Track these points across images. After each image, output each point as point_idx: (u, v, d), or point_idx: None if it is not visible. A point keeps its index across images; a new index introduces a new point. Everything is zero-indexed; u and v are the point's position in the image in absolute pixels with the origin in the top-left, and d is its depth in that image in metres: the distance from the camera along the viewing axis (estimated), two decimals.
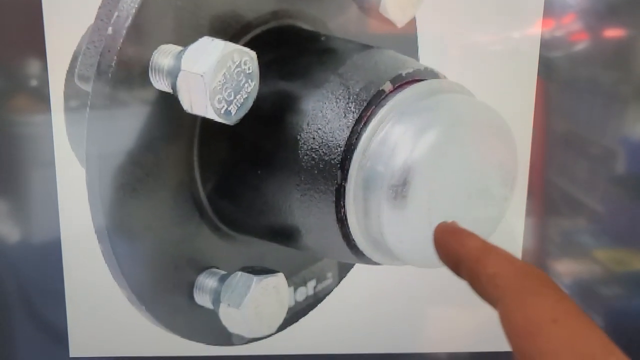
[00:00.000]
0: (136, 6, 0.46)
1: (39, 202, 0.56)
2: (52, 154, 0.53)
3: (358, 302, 0.67)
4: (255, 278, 0.51)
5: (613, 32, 0.82)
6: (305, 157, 0.47)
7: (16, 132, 0.53)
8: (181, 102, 0.45)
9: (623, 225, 0.93)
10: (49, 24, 0.48)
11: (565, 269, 0.92)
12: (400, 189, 0.45)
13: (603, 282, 0.92)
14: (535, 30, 0.75)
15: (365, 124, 0.46)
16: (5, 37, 0.50)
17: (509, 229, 0.70)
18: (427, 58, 0.63)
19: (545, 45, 0.76)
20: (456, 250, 0.39)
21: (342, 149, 0.46)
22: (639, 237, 0.92)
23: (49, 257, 0.56)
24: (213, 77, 0.44)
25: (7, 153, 0.53)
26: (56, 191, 0.54)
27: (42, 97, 0.51)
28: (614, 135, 0.88)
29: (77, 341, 0.57)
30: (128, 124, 0.48)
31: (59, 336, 0.58)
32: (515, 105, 0.77)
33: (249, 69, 0.45)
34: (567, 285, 0.90)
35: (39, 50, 0.49)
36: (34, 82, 0.51)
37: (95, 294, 0.56)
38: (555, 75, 0.80)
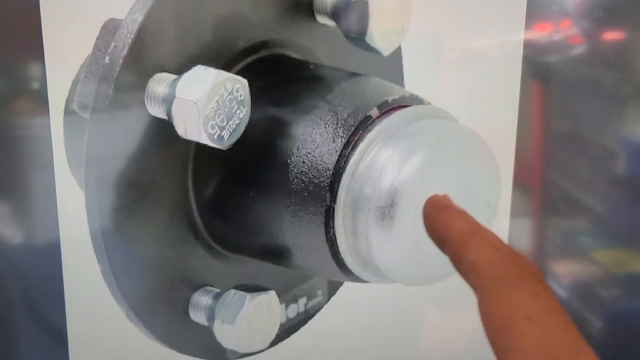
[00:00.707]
0: (132, 37, 0.47)
1: (38, 206, 0.56)
2: (51, 156, 0.54)
3: (348, 318, 0.67)
4: (248, 296, 0.53)
5: (612, 35, 0.83)
6: (295, 180, 0.49)
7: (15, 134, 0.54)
8: (176, 128, 0.47)
9: (623, 226, 0.93)
10: (50, 53, 0.50)
11: (565, 270, 0.92)
12: (388, 210, 0.47)
13: (602, 283, 0.92)
14: (517, 34, 0.76)
15: (353, 148, 0.48)
16: (4, 61, 0.51)
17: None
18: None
19: (543, 48, 0.77)
20: (443, 229, 0.39)
21: (331, 172, 0.48)
22: (638, 239, 0.92)
23: (48, 262, 0.57)
24: (206, 104, 0.45)
25: (6, 155, 0.54)
26: (55, 195, 0.54)
27: (42, 102, 0.52)
28: (614, 136, 0.88)
29: (77, 349, 0.58)
30: (125, 148, 0.49)
31: (58, 342, 0.59)
32: (499, 108, 0.77)
33: (240, 96, 0.47)
34: (566, 286, 0.90)
35: (40, 79, 0.51)
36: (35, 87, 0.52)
37: (96, 301, 0.57)
38: (555, 77, 0.81)
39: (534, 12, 0.75)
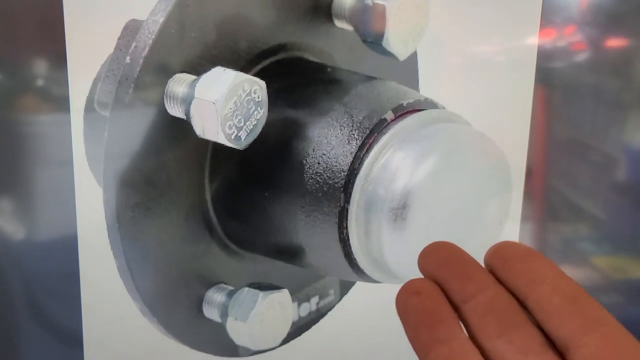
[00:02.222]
0: (153, 37, 0.48)
1: (57, 202, 0.56)
2: (71, 153, 0.54)
3: (359, 317, 0.68)
4: (261, 294, 0.53)
5: (615, 42, 0.83)
6: (310, 181, 0.50)
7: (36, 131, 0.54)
8: (194, 127, 0.47)
9: (623, 232, 0.93)
10: (72, 52, 0.50)
11: None
12: (400, 211, 0.47)
13: (602, 289, 0.91)
14: (532, 40, 0.76)
15: (368, 151, 0.49)
16: (29, 60, 0.52)
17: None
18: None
19: (547, 54, 0.77)
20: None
21: (345, 173, 0.49)
22: (639, 245, 0.92)
23: (65, 258, 0.57)
24: (224, 105, 0.46)
25: (26, 152, 0.54)
26: (73, 192, 0.55)
27: (63, 100, 0.52)
28: (616, 143, 0.88)
29: (92, 348, 0.58)
30: (144, 147, 0.50)
31: (73, 342, 0.59)
32: (513, 114, 0.77)
33: (258, 97, 0.47)
34: None
35: (62, 78, 0.51)
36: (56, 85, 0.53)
37: (111, 302, 0.57)
38: (558, 83, 0.80)
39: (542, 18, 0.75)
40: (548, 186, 0.85)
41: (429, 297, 0.37)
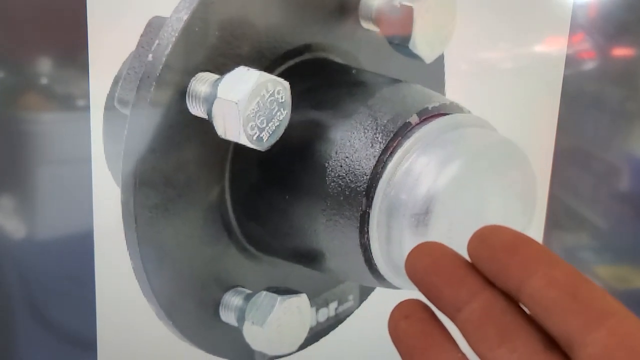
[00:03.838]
0: (176, 35, 0.47)
1: (74, 201, 0.56)
2: (89, 151, 0.54)
3: (378, 324, 0.67)
4: (279, 298, 0.53)
5: (621, 51, 0.83)
6: (332, 184, 0.49)
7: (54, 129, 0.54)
8: (215, 127, 0.47)
9: (625, 242, 0.93)
10: (94, 49, 0.50)
11: None
12: (422, 217, 0.47)
13: None
14: (560, 48, 0.75)
15: (391, 154, 0.48)
16: (51, 56, 0.51)
17: None
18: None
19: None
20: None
21: (368, 177, 0.48)
22: None
23: (80, 257, 0.57)
24: (247, 105, 0.45)
25: (43, 149, 0.54)
26: (91, 192, 0.54)
27: (83, 97, 0.52)
28: (619, 152, 0.88)
29: (106, 352, 0.58)
30: (164, 146, 0.49)
31: (86, 345, 0.58)
32: (538, 121, 0.77)
33: (281, 98, 0.47)
34: None
35: (83, 74, 0.51)
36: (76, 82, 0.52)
37: (126, 306, 0.57)
38: (563, 91, 0.80)
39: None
40: (551, 194, 0.85)
41: (418, 320, 0.36)
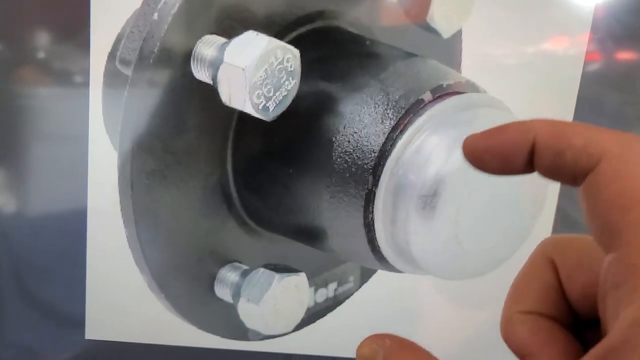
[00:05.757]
0: None
1: (67, 179, 0.55)
2: (86, 128, 0.53)
3: (375, 307, 0.66)
4: (277, 275, 0.51)
5: (622, 55, 0.82)
6: (338, 160, 0.47)
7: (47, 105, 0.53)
8: (220, 94, 0.45)
9: None
10: (96, 5, 0.48)
11: None
12: (430, 199, 0.45)
13: None
14: (580, 47, 0.74)
15: (402, 132, 0.46)
16: (52, 18, 0.50)
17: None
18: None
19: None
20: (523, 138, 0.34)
21: (376, 154, 0.46)
22: None
23: (72, 237, 0.56)
24: (254, 72, 0.43)
25: (36, 126, 0.53)
26: (87, 168, 0.53)
27: (84, 52, 0.51)
28: None
29: (94, 324, 0.57)
30: (165, 111, 0.47)
31: (75, 317, 0.58)
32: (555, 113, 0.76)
33: (291, 66, 0.45)
34: None
35: (83, 31, 0.49)
36: (74, 64, 0.51)
37: (117, 279, 0.56)
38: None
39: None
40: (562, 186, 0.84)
41: None
